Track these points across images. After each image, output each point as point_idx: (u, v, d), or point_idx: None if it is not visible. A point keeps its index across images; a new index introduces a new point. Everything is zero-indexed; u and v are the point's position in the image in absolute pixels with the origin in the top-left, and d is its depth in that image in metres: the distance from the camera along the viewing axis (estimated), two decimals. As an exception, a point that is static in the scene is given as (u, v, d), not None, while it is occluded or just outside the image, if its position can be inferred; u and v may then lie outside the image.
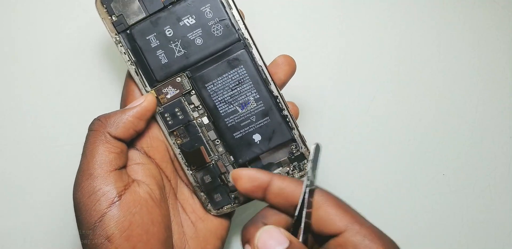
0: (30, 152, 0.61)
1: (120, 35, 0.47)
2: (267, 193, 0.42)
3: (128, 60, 0.48)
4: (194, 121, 0.49)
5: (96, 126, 0.45)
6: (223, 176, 0.49)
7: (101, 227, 0.42)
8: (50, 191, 0.60)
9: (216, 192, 0.49)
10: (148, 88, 0.48)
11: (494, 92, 0.65)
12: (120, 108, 0.50)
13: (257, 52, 0.48)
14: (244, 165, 0.49)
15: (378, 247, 0.38)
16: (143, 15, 0.47)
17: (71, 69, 0.61)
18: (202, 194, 0.49)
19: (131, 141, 0.47)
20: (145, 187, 0.46)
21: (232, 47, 0.48)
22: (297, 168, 0.49)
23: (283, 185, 0.42)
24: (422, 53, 0.65)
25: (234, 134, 0.48)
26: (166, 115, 0.48)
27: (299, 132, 0.49)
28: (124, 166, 0.46)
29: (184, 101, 0.49)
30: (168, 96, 0.48)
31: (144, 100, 0.47)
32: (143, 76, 0.48)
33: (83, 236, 0.43)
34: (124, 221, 0.43)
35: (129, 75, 0.49)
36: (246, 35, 0.48)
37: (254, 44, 0.48)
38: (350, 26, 0.64)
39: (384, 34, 0.64)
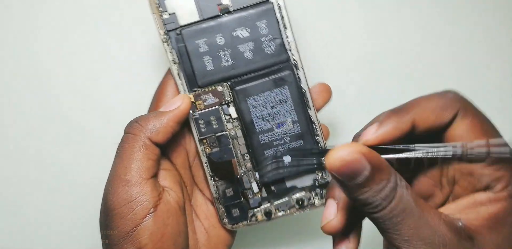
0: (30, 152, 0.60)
1: (168, 33, 0.46)
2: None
3: (172, 60, 0.46)
4: (227, 132, 0.48)
5: (136, 130, 0.43)
6: (246, 191, 0.48)
7: (135, 237, 0.41)
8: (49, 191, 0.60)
9: (235, 207, 0.48)
10: (187, 92, 0.47)
11: (494, 92, 0.65)
12: (151, 104, 0.49)
13: (303, 76, 0.47)
14: (268, 184, 0.48)
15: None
16: (197, 18, 0.46)
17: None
18: (220, 206, 0.48)
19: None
20: (174, 195, 0.45)
21: (280, 67, 0.46)
22: (319, 195, 0.49)
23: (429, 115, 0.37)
24: (422, 51, 0.64)
25: (265, 152, 0.47)
26: (200, 121, 0.47)
27: None
28: (157, 173, 0.45)
29: (221, 110, 0.47)
30: (206, 103, 0.47)
31: (182, 102, 0.45)
32: (184, 78, 0.47)
33: (106, 236, 0.42)
34: (157, 232, 0.42)
35: (168, 74, 0.48)
36: (296, 57, 0.46)
37: (302, 67, 0.46)
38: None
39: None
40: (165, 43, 0.46)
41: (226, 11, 0.46)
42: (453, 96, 0.38)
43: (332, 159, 0.34)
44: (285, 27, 0.46)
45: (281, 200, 0.49)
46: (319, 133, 0.47)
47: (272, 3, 0.46)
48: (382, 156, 0.36)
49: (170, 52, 0.46)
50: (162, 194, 0.44)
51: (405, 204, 0.34)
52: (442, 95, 0.38)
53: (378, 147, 0.37)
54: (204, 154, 0.47)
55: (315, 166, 0.48)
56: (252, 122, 0.47)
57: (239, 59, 0.46)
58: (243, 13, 0.46)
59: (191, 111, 0.46)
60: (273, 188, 0.48)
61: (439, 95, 0.38)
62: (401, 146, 0.37)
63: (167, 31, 0.46)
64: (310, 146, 0.47)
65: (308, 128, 0.47)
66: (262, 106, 0.47)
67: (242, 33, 0.46)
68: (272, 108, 0.47)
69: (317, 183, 0.48)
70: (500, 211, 0.35)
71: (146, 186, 0.42)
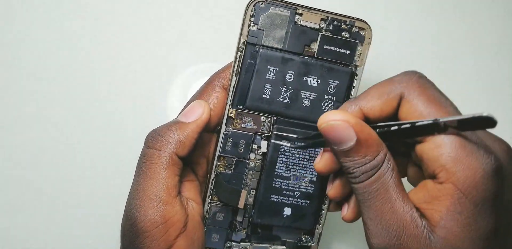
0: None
1: (246, 45, 0.44)
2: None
3: (235, 71, 0.44)
4: (248, 162, 0.46)
5: (161, 145, 0.42)
6: (235, 223, 0.47)
7: None
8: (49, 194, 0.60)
9: (217, 233, 0.47)
10: (230, 106, 0.45)
11: (494, 92, 0.65)
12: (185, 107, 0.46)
13: None
14: (256, 224, 0.47)
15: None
16: (279, 46, 0.44)
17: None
18: (204, 226, 0.47)
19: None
20: (196, 207, 0.44)
21: None
22: None
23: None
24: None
25: (272, 196, 0.46)
26: (229, 139, 0.45)
27: (322, 229, 0.48)
28: (181, 186, 0.44)
29: (253, 139, 0.46)
30: (243, 126, 0.45)
31: (203, 111, 0.43)
32: (235, 92, 0.45)
33: None
34: None
35: (213, 80, 0.46)
36: None
37: None
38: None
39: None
40: (239, 53, 0.44)
41: (309, 54, 0.45)
42: (399, 79, 0.38)
43: (322, 121, 0.36)
44: (350, 97, 0.45)
45: (261, 245, 0.47)
46: (327, 203, 0.47)
47: (352, 69, 0.46)
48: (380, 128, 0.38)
49: (238, 62, 0.44)
50: (187, 208, 0.43)
51: (381, 186, 0.36)
52: (389, 80, 0.39)
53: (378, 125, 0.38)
54: (216, 171, 0.46)
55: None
56: (275, 164, 0.46)
57: (296, 102, 0.45)
58: (322, 64, 0.45)
59: (225, 126, 0.45)
60: (259, 230, 0.47)
61: (387, 81, 0.39)
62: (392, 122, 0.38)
63: (247, 42, 0.44)
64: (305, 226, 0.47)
65: (320, 193, 0.46)
66: (291, 154, 0.46)
67: (312, 81, 0.45)
68: (299, 160, 0.46)
69: (299, 243, 0.48)
70: (450, 208, 0.34)
71: (176, 205, 0.41)
